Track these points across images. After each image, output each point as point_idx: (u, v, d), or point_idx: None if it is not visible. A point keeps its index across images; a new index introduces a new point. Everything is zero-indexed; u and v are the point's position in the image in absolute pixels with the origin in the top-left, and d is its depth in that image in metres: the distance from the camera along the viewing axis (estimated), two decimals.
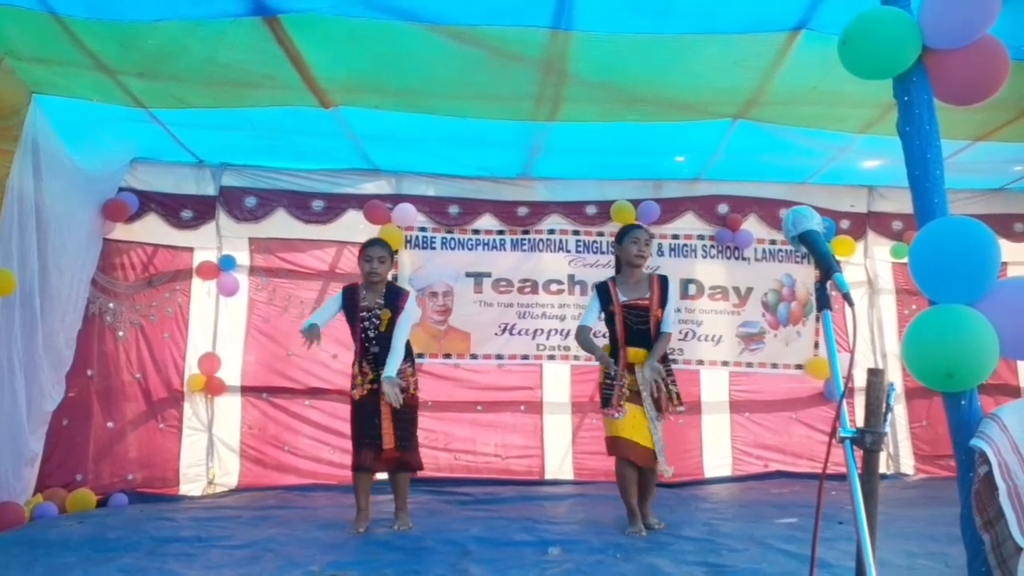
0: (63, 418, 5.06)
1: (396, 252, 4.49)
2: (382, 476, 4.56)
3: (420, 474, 4.66)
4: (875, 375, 1.76)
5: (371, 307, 4.31)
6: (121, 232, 5.59)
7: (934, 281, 2.22)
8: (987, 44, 2.34)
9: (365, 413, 4.28)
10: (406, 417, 4.31)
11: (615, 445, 4.10)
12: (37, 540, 3.98)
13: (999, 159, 5.57)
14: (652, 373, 4.06)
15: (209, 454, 5.73)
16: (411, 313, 4.39)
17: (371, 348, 4.29)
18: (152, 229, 5.73)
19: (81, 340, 5.19)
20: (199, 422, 5.74)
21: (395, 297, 4.36)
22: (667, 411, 4.17)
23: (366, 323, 4.29)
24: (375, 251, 4.33)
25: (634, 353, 4.16)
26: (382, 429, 4.22)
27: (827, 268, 1.84)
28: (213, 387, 5.71)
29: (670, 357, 4.34)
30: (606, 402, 4.14)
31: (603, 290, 4.29)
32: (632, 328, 4.18)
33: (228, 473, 5.75)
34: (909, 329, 2.22)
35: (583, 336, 4.30)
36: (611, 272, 4.52)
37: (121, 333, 5.52)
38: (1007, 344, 2.09)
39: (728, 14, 3.66)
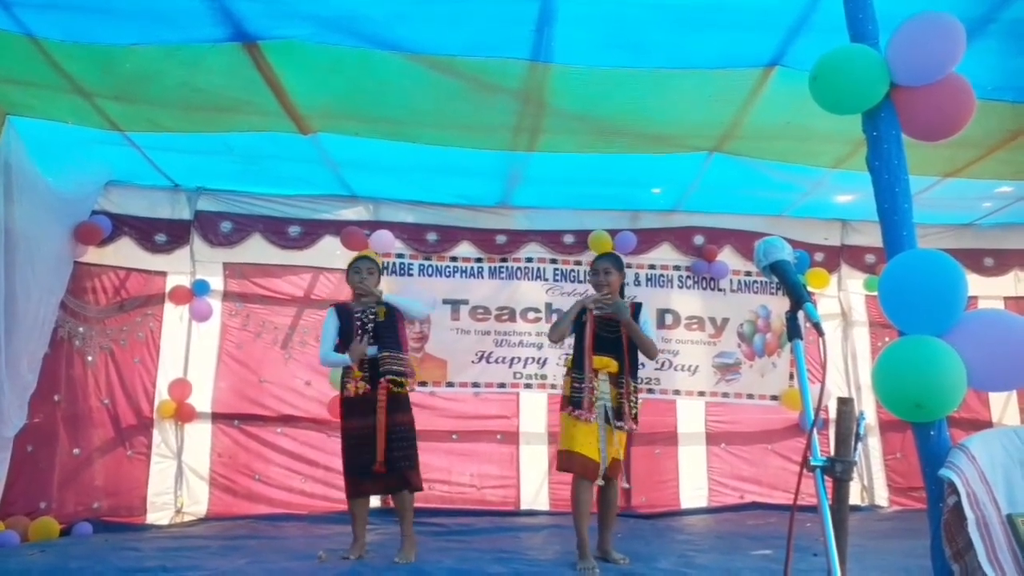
0: (27, 444, 4.92)
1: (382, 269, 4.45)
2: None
3: (394, 504, 4.35)
4: (845, 404, 1.78)
5: (364, 308, 4.23)
6: (93, 255, 5.51)
7: (903, 312, 2.25)
8: (953, 82, 2.39)
9: (358, 422, 4.05)
10: (403, 432, 4.11)
11: (568, 459, 3.99)
12: None
13: (968, 195, 5.67)
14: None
15: (178, 482, 5.61)
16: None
17: (367, 340, 4.13)
18: (125, 253, 5.67)
19: (48, 364, 5.06)
20: (168, 449, 5.63)
21: (389, 304, 4.29)
22: (625, 421, 4.02)
23: (362, 318, 4.18)
24: (362, 264, 4.31)
25: (600, 360, 4.07)
26: (375, 440, 3.99)
27: (797, 298, 1.85)
28: (183, 413, 5.62)
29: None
30: (577, 404, 4.00)
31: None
32: (601, 336, 4.10)
33: (197, 502, 5.63)
34: (879, 360, 2.24)
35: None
36: None
37: (90, 358, 5.42)
38: (974, 375, 2.11)
39: (703, 50, 3.72)
